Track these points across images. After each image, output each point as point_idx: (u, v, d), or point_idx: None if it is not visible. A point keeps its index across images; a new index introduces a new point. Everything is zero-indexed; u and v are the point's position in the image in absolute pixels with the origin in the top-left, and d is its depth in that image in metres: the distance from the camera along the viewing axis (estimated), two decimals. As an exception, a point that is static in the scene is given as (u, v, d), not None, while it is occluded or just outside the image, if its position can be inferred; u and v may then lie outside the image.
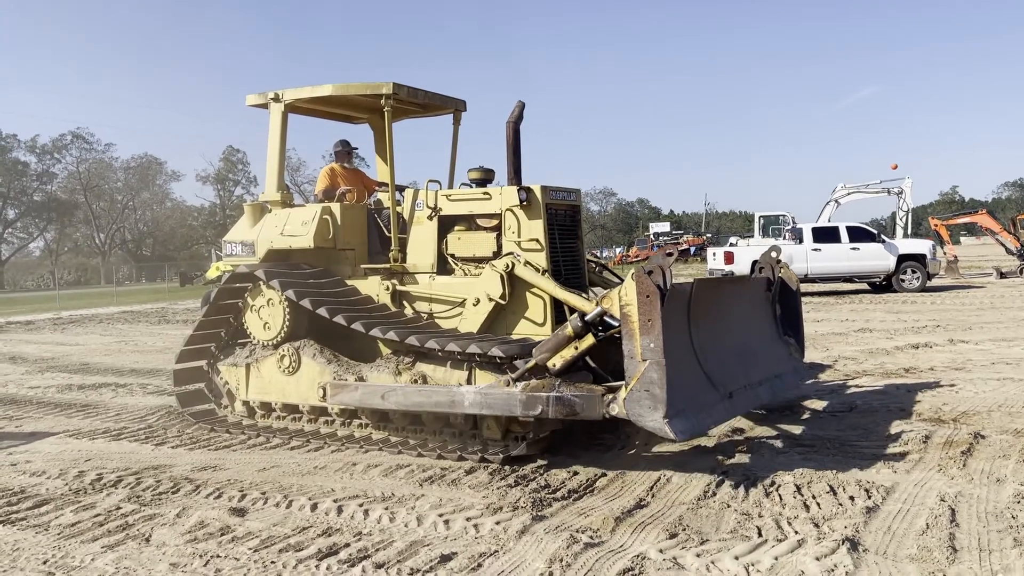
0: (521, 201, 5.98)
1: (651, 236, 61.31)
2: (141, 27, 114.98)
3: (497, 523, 4.25)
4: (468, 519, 4.33)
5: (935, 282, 21.01)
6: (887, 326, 12.94)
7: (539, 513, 4.39)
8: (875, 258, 19.82)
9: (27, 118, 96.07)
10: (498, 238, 6.18)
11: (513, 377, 5.01)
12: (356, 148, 7.89)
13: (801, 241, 20.08)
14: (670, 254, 4.50)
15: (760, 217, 29.65)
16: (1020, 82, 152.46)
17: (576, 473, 5.18)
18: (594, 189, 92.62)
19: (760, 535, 3.96)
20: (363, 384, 5.73)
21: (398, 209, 6.71)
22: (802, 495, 4.53)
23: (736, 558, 3.67)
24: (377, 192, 7.86)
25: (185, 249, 70.82)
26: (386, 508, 4.58)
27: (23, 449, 6.55)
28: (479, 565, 3.75)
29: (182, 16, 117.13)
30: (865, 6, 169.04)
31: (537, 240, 6.00)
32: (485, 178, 6.50)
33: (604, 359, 5.42)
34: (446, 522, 4.31)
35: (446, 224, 6.45)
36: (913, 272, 19.92)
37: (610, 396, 4.64)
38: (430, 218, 6.45)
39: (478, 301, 6.04)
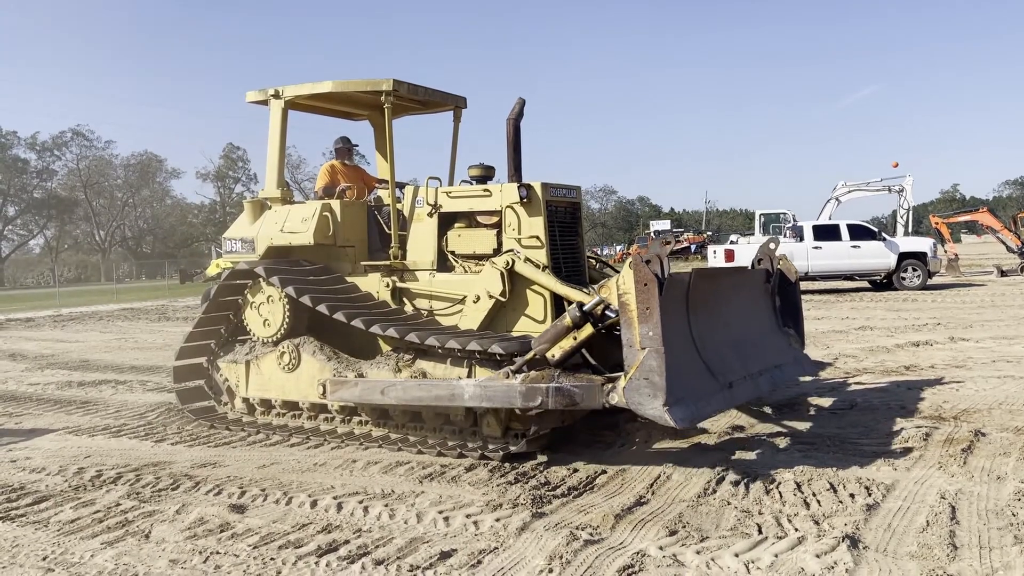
0: (521, 198, 5.98)
1: (651, 234, 61.28)
2: (141, 24, 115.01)
3: (497, 520, 4.24)
4: (468, 516, 4.32)
5: (936, 280, 21.00)
6: (888, 324, 12.93)
7: (539, 510, 4.39)
8: (876, 256, 19.82)
9: (27, 115, 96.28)
10: (498, 235, 6.17)
11: (512, 369, 5.01)
12: (356, 145, 7.88)
13: (802, 239, 20.07)
14: (667, 243, 4.50)
15: (761, 215, 29.59)
16: (1021, 81, 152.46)
17: (576, 470, 5.17)
18: (595, 187, 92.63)
19: (760, 532, 3.96)
20: (362, 380, 5.72)
21: (398, 206, 6.70)
22: (802, 492, 4.52)
23: (736, 555, 3.66)
24: (377, 189, 7.85)
25: (185, 246, 70.78)
26: (386, 505, 4.58)
27: (23, 446, 6.55)
28: (479, 562, 3.74)
29: (182, 13, 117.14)
30: (866, 5, 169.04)
31: (537, 237, 6.00)
32: (485, 175, 6.49)
33: (605, 357, 5.42)
34: (446, 519, 4.30)
35: (446, 221, 6.44)
36: (914, 270, 19.91)
37: (609, 385, 4.64)
38: (430, 215, 6.44)
39: (478, 298, 6.03)
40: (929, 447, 5.37)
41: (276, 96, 7.02)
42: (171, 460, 5.86)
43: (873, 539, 3.81)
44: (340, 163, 7.71)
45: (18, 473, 5.67)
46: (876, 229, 20.56)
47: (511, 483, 4.92)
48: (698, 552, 3.73)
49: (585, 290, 5.82)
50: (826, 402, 7.00)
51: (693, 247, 49.17)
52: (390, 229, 6.59)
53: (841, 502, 4.35)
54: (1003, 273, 24.23)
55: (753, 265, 6.60)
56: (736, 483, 4.72)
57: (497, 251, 6.12)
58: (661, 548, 3.79)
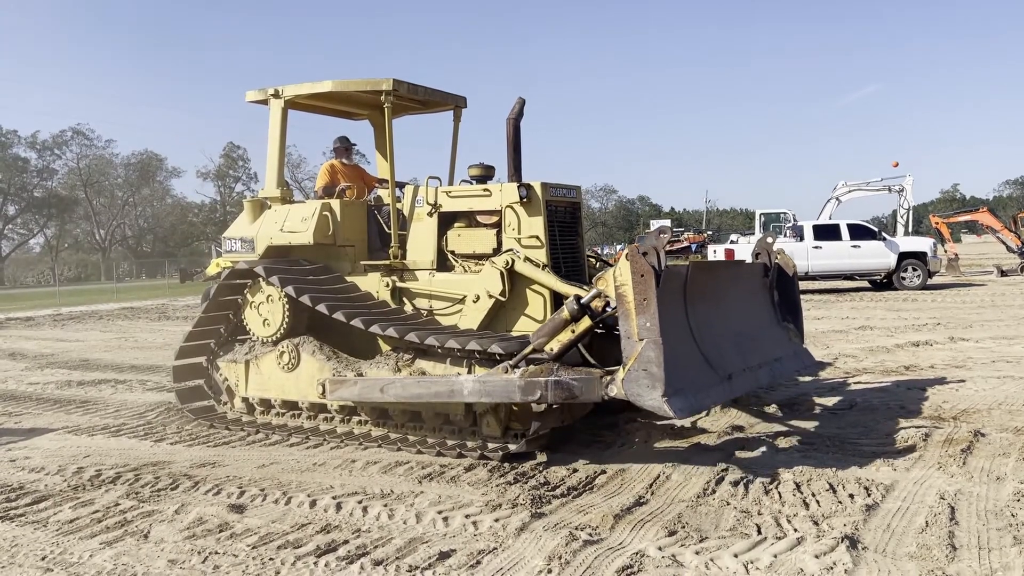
0: (521, 198, 5.98)
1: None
2: (142, 23, 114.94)
3: (496, 520, 4.24)
4: (467, 516, 4.32)
5: (936, 280, 21.00)
6: (887, 324, 12.93)
7: (538, 510, 4.39)
8: (876, 256, 19.82)
9: (28, 114, 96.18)
10: (498, 235, 6.17)
11: (511, 364, 5.00)
12: (355, 144, 7.88)
13: (802, 238, 20.07)
14: (664, 234, 4.49)
15: (761, 214, 29.59)
16: (1021, 80, 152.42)
17: (575, 470, 5.17)
18: (595, 186, 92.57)
19: (759, 533, 3.96)
20: (361, 378, 5.72)
21: (398, 206, 6.70)
22: (801, 493, 4.52)
23: (735, 556, 3.66)
24: (377, 188, 7.85)
25: (185, 245, 70.78)
26: (385, 505, 4.58)
27: (22, 445, 6.55)
28: (478, 562, 3.74)
29: (183, 12, 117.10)
30: (867, 4, 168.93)
31: (537, 237, 6.00)
32: (485, 175, 6.48)
33: (604, 359, 5.41)
34: (445, 519, 4.30)
35: (446, 221, 6.44)
36: (914, 270, 19.92)
37: (608, 378, 4.64)
38: (430, 215, 6.44)
39: (478, 298, 6.03)
40: (928, 447, 5.37)
41: (276, 96, 7.02)
42: (170, 460, 5.86)
43: (872, 540, 3.81)
44: (340, 162, 7.71)
45: (17, 473, 5.67)
46: (876, 229, 20.57)
47: (510, 483, 4.92)
48: (697, 552, 3.72)
49: (585, 287, 5.83)
50: (826, 402, 7.00)
51: (693, 247, 49.09)
52: (390, 229, 6.59)
53: (840, 502, 4.34)
54: (1003, 273, 24.23)
55: (752, 259, 6.60)
56: (735, 483, 4.72)
57: (497, 251, 6.12)
58: (660, 548, 3.79)
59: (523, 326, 5.93)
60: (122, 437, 6.70)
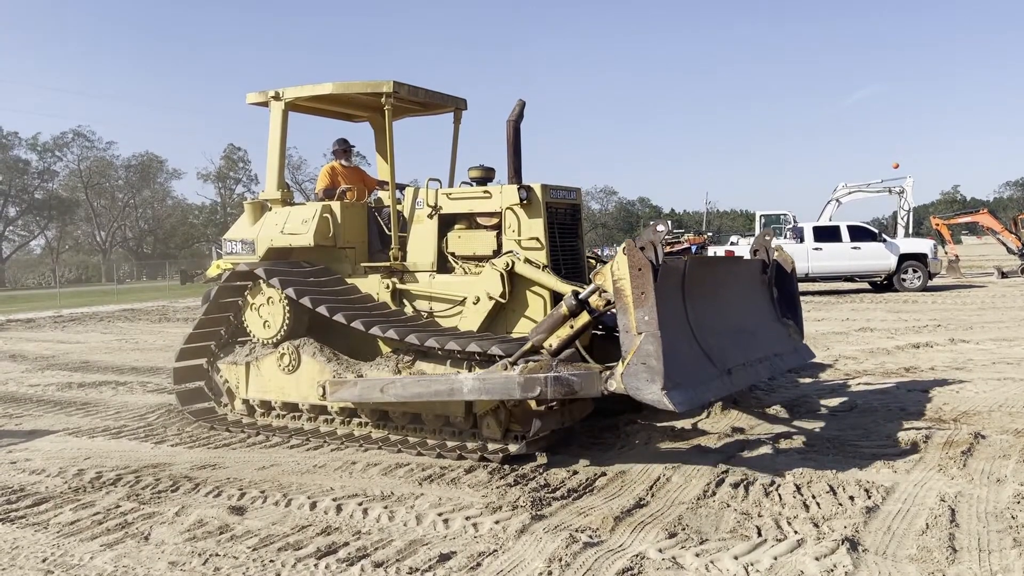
0: (521, 200, 5.98)
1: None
2: (142, 24, 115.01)
3: (496, 522, 4.24)
4: (467, 518, 4.32)
5: (936, 281, 21.00)
6: (888, 325, 12.93)
7: (538, 512, 4.39)
8: (876, 257, 19.82)
9: (28, 116, 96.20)
10: (498, 237, 6.18)
11: (510, 361, 5.01)
12: (354, 146, 7.89)
13: (802, 240, 20.07)
14: (660, 228, 4.49)
15: (761, 216, 29.59)
16: (1021, 80, 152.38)
17: (576, 472, 5.17)
18: (595, 188, 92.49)
19: (760, 535, 3.96)
20: (362, 379, 5.72)
21: (398, 207, 6.71)
22: (802, 495, 4.52)
23: (735, 558, 3.66)
24: (377, 190, 7.86)
25: (186, 247, 70.79)
26: (385, 507, 4.58)
27: (23, 447, 6.55)
28: (478, 564, 3.74)
29: (184, 13, 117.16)
30: (867, 5, 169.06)
31: (537, 239, 6.00)
32: (485, 177, 6.50)
33: (604, 358, 5.41)
34: (445, 521, 4.30)
35: (446, 222, 6.45)
36: (914, 271, 19.92)
37: (607, 372, 4.64)
38: (430, 216, 6.45)
39: (478, 300, 6.03)
40: (929, 449, 5.37)
41: (276, 98, 7.03)
42: (171, 462, 5.86)
43: (872, 542, 3.81)
44: (340, 164, 7.72)
45: (18, 475, 5.67)
46: (876, 230, 20.57)
47: (511, 485, 4.92)
48: (697, 554, 3.72)
49: (584, 286, 5.83)
50: (826, 404, 6.99)
51: (694, 248, 49.13)
52: (390, 230, 6.60)
53: (841, 504, 4.35)
54: (1004, 275, 24.22)
55: (751, 256, 6.59)
56: (736, 485, 4.72)
57: (497, 252, 6.13)
58: (660, 550, 3.79)
59: (523, 328, 5.93)
60: (123, 439, 6.70)
